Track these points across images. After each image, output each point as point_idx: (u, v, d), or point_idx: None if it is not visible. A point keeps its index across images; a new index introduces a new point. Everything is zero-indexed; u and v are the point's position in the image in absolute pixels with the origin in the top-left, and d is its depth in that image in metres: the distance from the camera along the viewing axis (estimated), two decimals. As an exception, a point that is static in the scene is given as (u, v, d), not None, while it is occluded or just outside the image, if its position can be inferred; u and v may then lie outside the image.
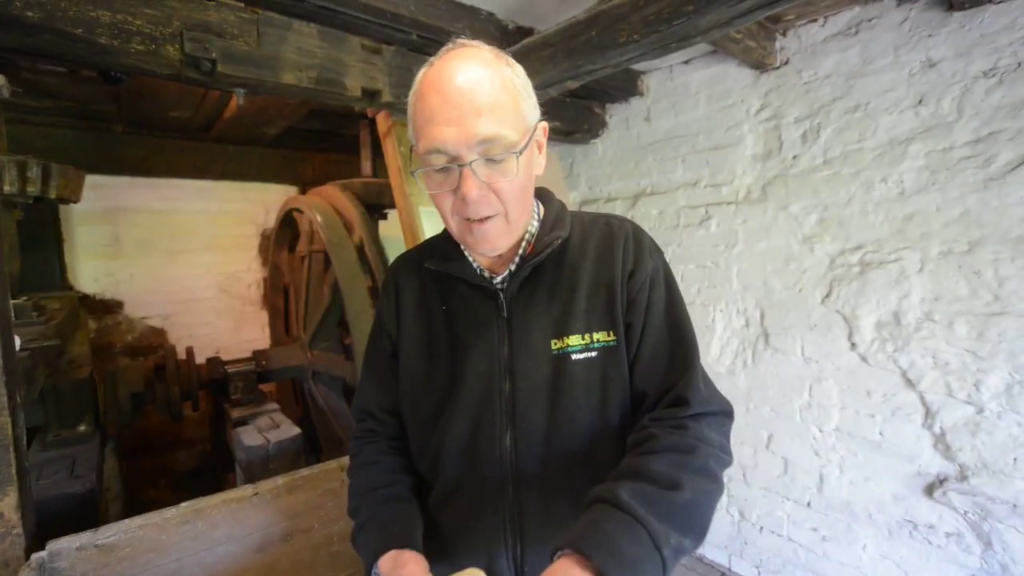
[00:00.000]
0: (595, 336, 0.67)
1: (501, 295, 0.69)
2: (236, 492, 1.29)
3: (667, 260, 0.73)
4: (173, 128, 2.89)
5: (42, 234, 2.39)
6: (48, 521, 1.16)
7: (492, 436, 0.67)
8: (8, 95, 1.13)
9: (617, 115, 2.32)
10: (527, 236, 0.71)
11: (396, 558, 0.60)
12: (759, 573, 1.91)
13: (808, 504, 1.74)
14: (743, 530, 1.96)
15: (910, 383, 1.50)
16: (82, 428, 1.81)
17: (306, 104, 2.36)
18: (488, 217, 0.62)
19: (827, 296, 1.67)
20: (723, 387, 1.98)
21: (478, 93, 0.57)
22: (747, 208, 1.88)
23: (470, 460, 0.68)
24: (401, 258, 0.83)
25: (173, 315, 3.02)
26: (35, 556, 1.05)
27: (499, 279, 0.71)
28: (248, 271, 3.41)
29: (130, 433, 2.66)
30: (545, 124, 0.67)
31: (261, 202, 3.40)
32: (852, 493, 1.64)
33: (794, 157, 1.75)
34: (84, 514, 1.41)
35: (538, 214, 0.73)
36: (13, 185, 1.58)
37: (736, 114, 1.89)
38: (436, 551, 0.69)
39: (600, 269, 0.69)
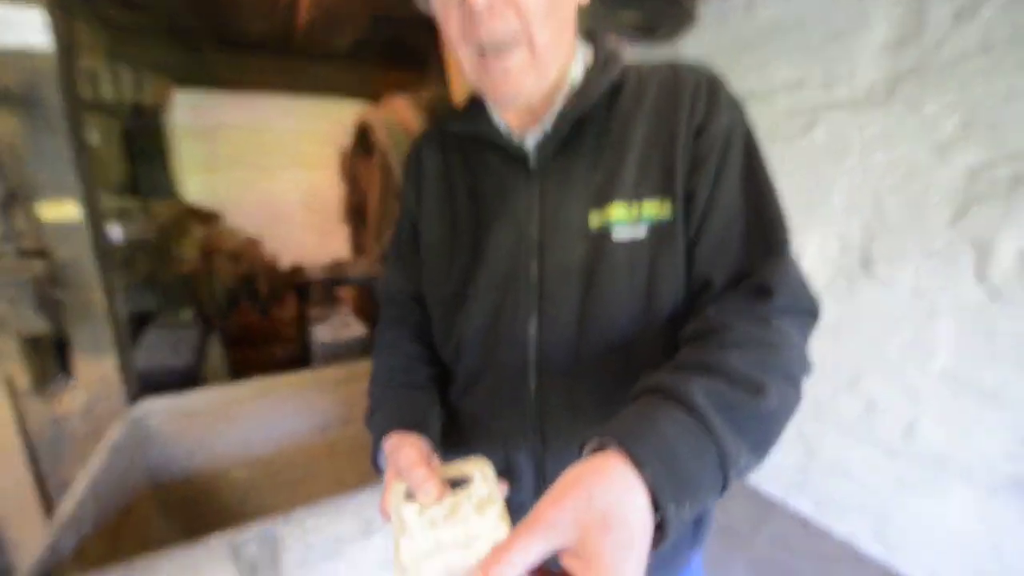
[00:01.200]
0: (645, 208, 0.54)
1: (531, 160, 0.59)
2: (300, 376, 1.41)
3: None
4: (255, 43, 2.97)
5: (151, 147, 2.65)
6: (151, 390, 1.34)
7: (514, 321, 0.60)
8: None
9: (711, 5, 1.97)
10: (566, 88, 0.58)
11: (399, 440, 0.57)
12: (819, 512, 1.79)
13: (891, 452, 1.56)
14: (807, 468, 1.82)
15: (1055, 325, 1.22)
16: (185, 316, 2.07)
17: (369, 4, 2.28)
18: (508, 49, 0.50)
19: (958, 218, 1.36)
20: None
21: None
22: (867, 111, 1.55)
23: (490, 347, 0.63)
24: (425, 131, 0.74)
25: (266, 226, 3.29)
26: (130, 412, 1.23)
27: (530, 140, 0.60)
28: (330, 188, 3.57)
29: (233, 327, 3.02)
30: None
31: (340, 122, 3.47)
32: (949, 446, 1.43)
33: (938, 43, 1.38)
34: (182, 387, 1.61)
35: (583, 59, 0.60)
36: (109, 92, 1.71)
37: (866, -12, 1.51)
38: (454, 445, 0.68)
39: (658, 122, 0.55)
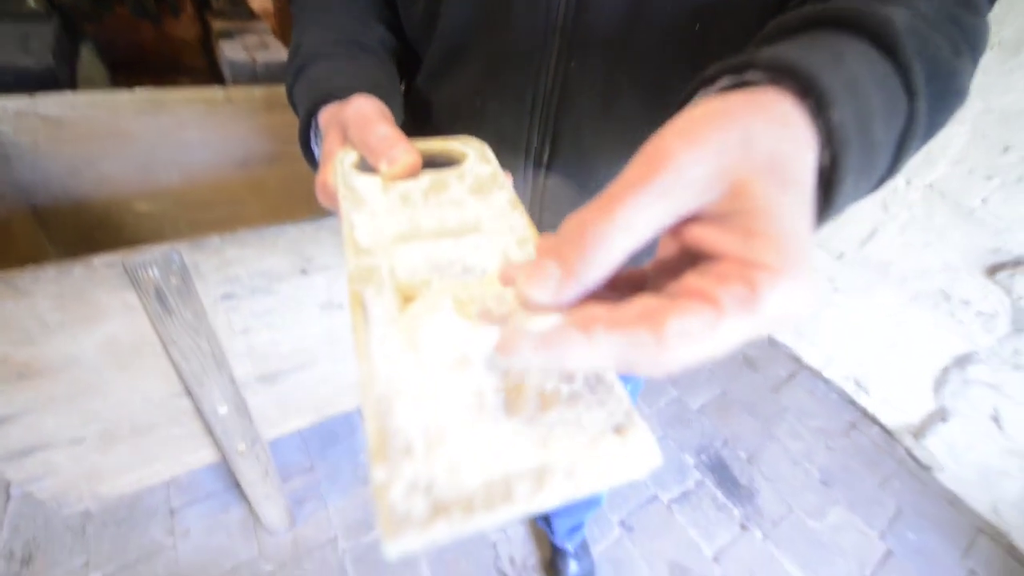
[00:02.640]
0: None
1: None
2: (204, 92, 1.09)
3: None
4: None
5: None
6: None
7: None
8: None
9: None
10: None
11: (342, 103, 0.36)
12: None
13: (840, 256, 1.61)
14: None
15: (1078, 142, 1.13)
16: (31, 3, 1.51)
17: None
18: None
19: (1050, -6, 1.11)
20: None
21: None
22: None
23: (490, 3, 0.40)
24: None
25: None
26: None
27: None
28: None
29: (121, 45, 2.38)
30: None
31: None
32: (899, 254, 1.47)
33: None
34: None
35: None
36: None
37: None
38: None
39: None
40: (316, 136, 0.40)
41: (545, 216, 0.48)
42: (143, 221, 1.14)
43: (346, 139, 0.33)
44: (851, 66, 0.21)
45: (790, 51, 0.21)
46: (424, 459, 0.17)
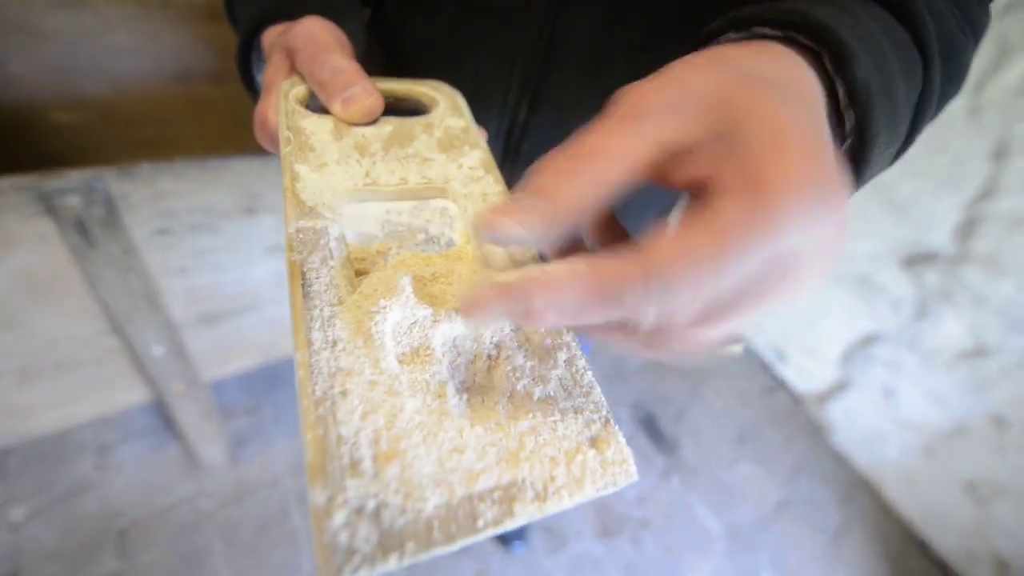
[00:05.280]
0: None
1: None
2: (134, -9, 0.95)
3: None
4: None
5: None
6: None
7: None
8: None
9: None
10: None
11: (291, 24, 0.31)
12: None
13: (781, 238, 1.70)
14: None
15: (1001, 154, 1.22)
16: None
17: None
18: None
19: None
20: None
21: None
22: None
23: None
24: None
25: None
26: None
27: None
28: None
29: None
30: None
31: None
32: (833, 241, 1.57)
33: None
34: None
35: None
36: None
37: None
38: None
39: None
40: (258, 60, 0.35)
41: (514, 184, 0.47)
42: (62, 134, 1.01)
43: (293, 68, 0.29)
44: (868, 25, 0.20)
45: (800, 5, 0.20)
46: (374, 477, 0.14)
